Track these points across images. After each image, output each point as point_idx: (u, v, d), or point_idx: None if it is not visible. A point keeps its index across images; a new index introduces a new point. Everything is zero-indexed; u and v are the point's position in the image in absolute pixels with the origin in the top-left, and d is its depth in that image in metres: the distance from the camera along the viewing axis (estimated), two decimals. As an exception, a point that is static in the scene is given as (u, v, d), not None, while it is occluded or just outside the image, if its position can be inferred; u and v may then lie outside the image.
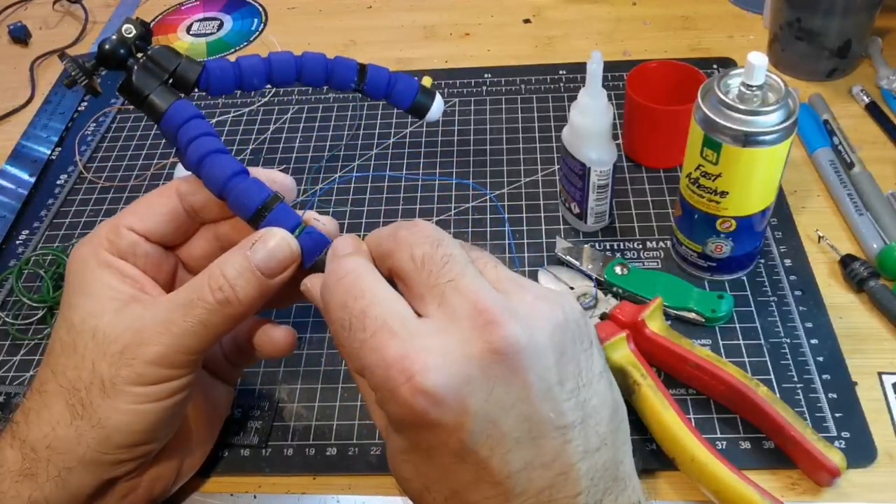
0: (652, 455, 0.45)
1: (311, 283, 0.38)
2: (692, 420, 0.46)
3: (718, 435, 0.46)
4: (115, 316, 0.38)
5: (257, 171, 0.41)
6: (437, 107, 0.53)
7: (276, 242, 0.38)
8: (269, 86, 0.50)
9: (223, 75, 0.47)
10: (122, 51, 0.43)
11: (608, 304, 0.50)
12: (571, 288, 0.51)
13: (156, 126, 0.44)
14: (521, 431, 0.30)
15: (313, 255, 0.39)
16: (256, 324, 0.43)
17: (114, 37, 0.43)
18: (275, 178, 0.42)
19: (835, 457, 0.41)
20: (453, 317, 0.31)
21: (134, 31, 0.43)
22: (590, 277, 0.53)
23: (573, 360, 0.32)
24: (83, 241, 0.41)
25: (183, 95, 0.44)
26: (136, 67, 0.43)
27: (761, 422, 0.44)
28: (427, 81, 0.54)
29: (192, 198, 0.42)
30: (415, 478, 0.33)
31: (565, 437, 0.31)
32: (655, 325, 0.47)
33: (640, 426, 0.45)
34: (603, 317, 0.49)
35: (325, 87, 0.51)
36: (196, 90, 0.46)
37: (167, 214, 0.42)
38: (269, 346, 0.43)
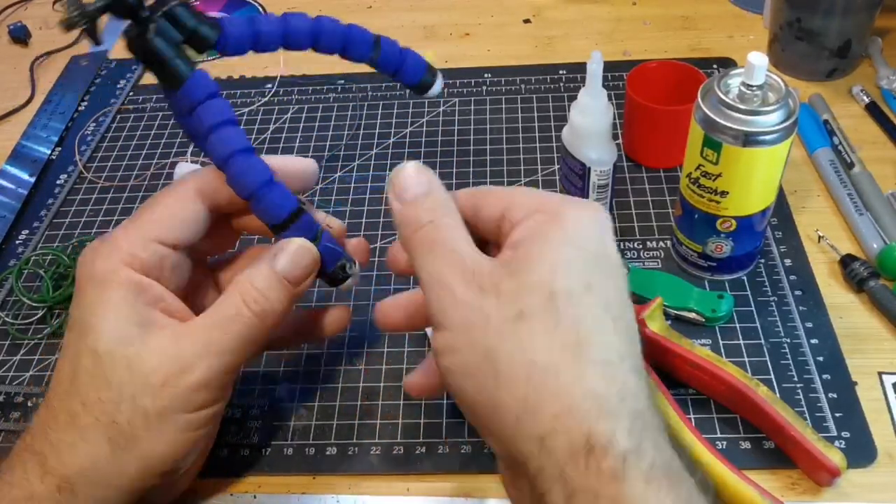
0: (652, 455, 0.45)
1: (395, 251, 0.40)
2: (692, 420, 0.46)
3: (718, 435, 0.46)
4: (146, 345, 0.38)
5: (282, 160, 0.41)
6: (438, 84, 0.53)
7: (297, 251, 0.40)
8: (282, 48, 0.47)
9: (240, 36, 0.44)
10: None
11: (608, 303, 0.50)
12: (571, 288, 0.51)
13: (165, 96, 0.41)
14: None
15: (331, 263, 0.42)
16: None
17: None
18: (296, 166, 0.42)
19: (835, 457, 0.41)
20: None
21: None
22: (590, 277, 0.52)
23: None
24: (99, 251, 0.39)
25: (197, 62, 0.41)
26: (151, 24, 0.39)
27: (761, 422, 0.44)
28: (429, 56, 0.54)
29: (217, 195, 0.41)
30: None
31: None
32: (655, 324, 0.47)
33: (640, 426, 0.45)
34: (603, 317, 0.49)
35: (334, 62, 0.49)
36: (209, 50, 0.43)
37: (194, 221, 0.41)
38: (332, 325, 0.46)
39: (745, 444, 0.45)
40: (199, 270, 0.45)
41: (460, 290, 0.32)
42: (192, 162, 0.66)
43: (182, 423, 0.38)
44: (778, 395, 0.46)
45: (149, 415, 0.37)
